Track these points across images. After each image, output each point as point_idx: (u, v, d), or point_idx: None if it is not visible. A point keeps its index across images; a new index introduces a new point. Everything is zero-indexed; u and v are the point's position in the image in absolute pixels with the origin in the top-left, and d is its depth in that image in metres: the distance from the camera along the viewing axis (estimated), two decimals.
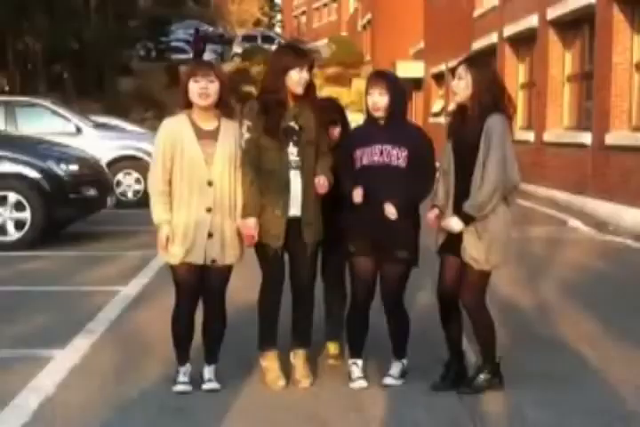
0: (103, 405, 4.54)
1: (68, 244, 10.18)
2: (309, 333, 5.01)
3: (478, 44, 22.23)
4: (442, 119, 26.44)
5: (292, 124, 4.75)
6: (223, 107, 4.76)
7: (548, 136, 16.60)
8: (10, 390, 4.67)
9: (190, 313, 4.81)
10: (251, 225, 4.67)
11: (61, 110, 14.79)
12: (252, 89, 31.03)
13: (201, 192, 4.64)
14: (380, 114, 4.76)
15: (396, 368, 4.97)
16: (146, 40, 41.97)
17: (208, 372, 4.84)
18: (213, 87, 4.65)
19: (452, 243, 4.70)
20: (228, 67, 37.22)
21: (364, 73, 33.87)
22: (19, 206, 9.75)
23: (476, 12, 22.73)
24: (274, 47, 43.80)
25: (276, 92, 4.73)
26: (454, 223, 4.64)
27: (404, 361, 5.00)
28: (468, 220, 4.59)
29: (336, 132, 5.12)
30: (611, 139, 13.13)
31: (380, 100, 4.72)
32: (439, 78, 28.76)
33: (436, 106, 29.07)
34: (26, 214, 9.74)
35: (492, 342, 4.80)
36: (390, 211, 4.65)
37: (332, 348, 5.31)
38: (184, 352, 4.83)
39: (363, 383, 4.85)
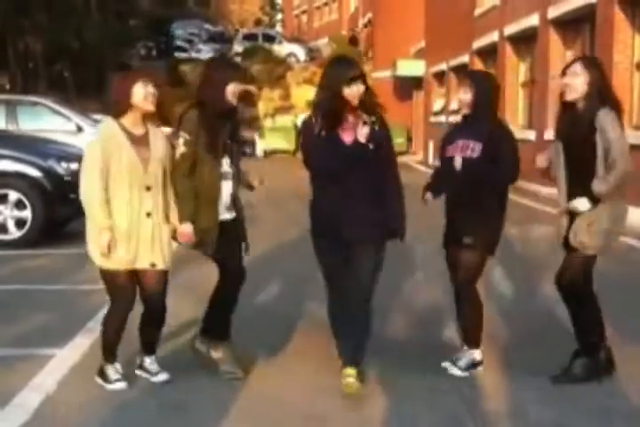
0: (103, 403, 4.54)
1: (68, 242, 10.15)
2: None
3: (479, 43, 22.23)
4: (442, 118, 26.43)
5: (229, 141, 4.88)
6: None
7: (549, 135, 16.58)
8: (11, 389, 4.67)
9: (127, 317, 4.81)
10: (188, 230, 4.71)
11: (62, 109, 14.79)
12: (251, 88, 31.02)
13: (140, 197, 4.64)
14: (466, 111, 5.00)
15: (464, 360, 4.99)
16: (146, 39, 42.00)
17: (152, 363, 4.88)
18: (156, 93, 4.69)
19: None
20: None
21: (366, 72, 33.88)
22: (19, 205, 9.76)
23: (477, 11, 22.72)
24: (275, 46, 43.93)
25: (221, 102, 4.79)
26: (582, 203, 4.73)
27: (475, 353, 5.00)
28: (595, 199, 4.69)
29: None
30: None
31: (464, 97, 4.97)
32: (440, 77, 28.73)
33: (437, 105, 29.03)
34: (27, 213, 9.74)
35: (594, 327, 4.90)
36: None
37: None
38: (115, 351, 4.85)
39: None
